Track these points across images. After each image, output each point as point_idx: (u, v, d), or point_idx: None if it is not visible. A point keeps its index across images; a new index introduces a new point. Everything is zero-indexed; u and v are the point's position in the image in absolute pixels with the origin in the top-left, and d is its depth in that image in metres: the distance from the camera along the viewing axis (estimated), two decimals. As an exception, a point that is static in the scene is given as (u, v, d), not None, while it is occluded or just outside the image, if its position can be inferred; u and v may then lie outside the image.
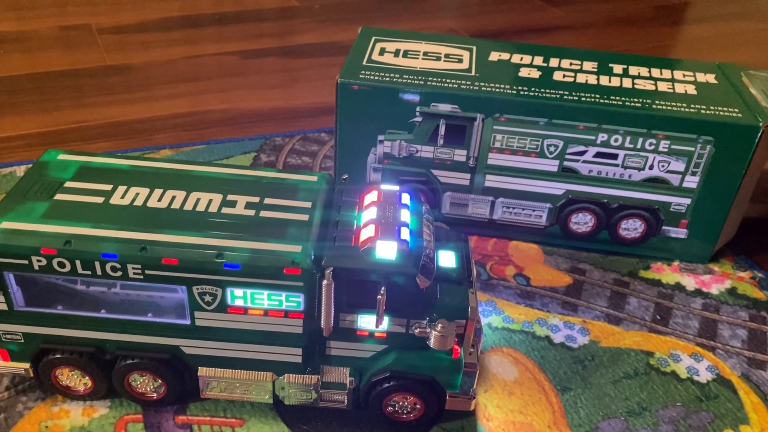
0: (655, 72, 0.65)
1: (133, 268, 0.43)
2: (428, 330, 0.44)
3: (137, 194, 0.46)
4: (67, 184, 0.47)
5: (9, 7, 1.11)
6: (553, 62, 0.66)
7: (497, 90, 0.60)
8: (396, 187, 0.49)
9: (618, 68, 0.65)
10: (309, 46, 1.05)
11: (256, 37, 1.06)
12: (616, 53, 0.68)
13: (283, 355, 0.46)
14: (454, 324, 0.44)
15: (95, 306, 0.45)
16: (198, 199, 0.46)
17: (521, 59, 0.66)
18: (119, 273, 0.43)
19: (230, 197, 0.47)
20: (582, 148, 0.61)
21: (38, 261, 0.42)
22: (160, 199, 0.46)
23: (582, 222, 0.65)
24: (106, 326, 0.46)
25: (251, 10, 1.16)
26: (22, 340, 0.46)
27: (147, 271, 0.43)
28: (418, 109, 0.61)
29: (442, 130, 0.62)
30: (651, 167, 0.61)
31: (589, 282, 0.63)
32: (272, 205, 0.46)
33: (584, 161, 0.62)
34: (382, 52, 0.65)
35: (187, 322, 0.45)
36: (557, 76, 0.63)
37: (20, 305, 0.45)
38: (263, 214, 0.46)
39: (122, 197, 0.46)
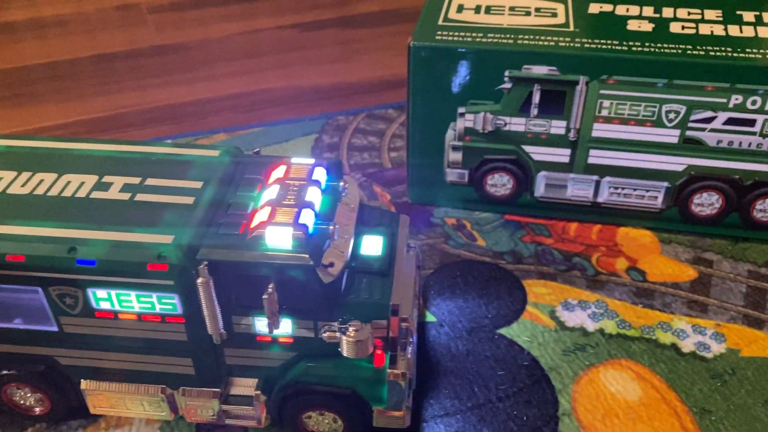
0: (798, 16, 0.53)
1: None
2: (339, 334, 0.37)
3: (0, 179, 0.40)
4: None
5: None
6: (667, 12, 0.55)
7: (604, 47, 0.50)
8: (310, 160, 0.41)
9: (749, 15, 0.54)
10: (369, 15, 0.96)
11: (312, 8, 0.98)
12: (742, -1, 0.57)
13: (172, 366, 0.39)
14: (370, 326, 0.36)
15: None
16: (68, 183, 0.40)
17: (627, 10, 0.55)
18: None
19: (106, 179, 0.40)
20: (710, 113, 0.50)
21: None
22: (24, 185, 0.40)
23: (707, 203, 0.54)
24: None
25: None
26: None
27: None
28: (507, 73, 0.51)
29: (536, 98, 0.52)
30: (799, 134, 0.50)
31: (718, 276, 0.52)
32: (153, 186, 0.39)
33: (712, 130, 0.51)
34: (461, 9, 0.56)
35: (55, 328, 0.38)
36: (674, 27, 0.52)
37: None
38: (139, 197, 0.39)
39: None
